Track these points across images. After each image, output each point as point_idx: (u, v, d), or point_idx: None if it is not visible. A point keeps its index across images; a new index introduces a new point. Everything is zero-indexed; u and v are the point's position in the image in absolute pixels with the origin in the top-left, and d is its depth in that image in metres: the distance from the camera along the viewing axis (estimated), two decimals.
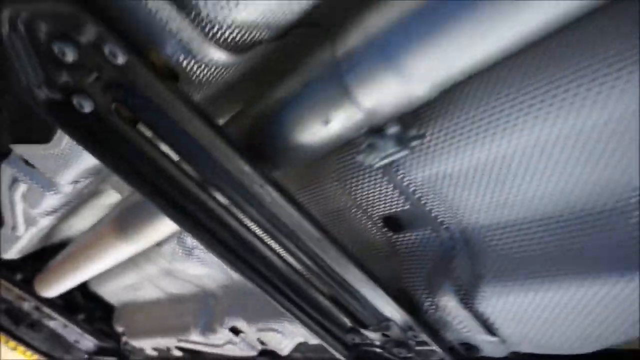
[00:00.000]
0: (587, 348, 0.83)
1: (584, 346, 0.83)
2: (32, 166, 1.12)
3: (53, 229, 1.65)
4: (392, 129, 0.68)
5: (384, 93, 0.61)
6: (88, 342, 2.89)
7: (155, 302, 2.10)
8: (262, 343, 1.58)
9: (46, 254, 2.10)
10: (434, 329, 1.01)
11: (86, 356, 3.03)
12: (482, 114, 0.73)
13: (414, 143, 0.71)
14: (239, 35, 0.62)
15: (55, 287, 2.05)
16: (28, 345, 2.93)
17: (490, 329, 0.92)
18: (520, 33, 0.57)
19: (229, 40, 0.62)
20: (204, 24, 0.60)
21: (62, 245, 2.01)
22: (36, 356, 2.98)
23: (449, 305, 0.91)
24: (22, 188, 1.30)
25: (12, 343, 2.95)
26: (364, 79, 0.61)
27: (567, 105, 0.66)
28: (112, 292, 2.43)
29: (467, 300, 0.89)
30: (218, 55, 0.63)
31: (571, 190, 0.73)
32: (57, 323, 2.75)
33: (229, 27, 0.60)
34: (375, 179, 0.87)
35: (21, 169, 1.16)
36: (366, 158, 0.71)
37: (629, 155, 0.66)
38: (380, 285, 0.90)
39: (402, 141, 0.69)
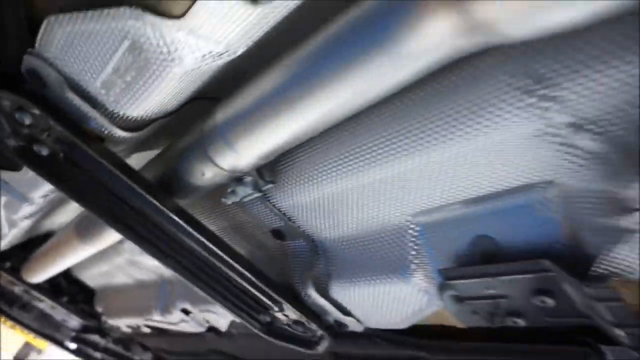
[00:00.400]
0: (402, 325, 1.17)
1: (400, 324, 1.17)
2: (8, 184, 1.45)
3: (35, 225, 1.98)
4: (248, 179, 1.01)
5: (229, 161, 0.93)
6: (74, 321, 3.24)
7: (126, 287, 2.44)
8: (207, 321, 1.93)
9: (32, 244, 2.43)
10: (314, 312, 1.34)
11: (73, 333, 3.40)
12: (323, 163, 1.05)
13: (267, 187, 1.04)
14: (135, 122, 0.94)
15: (41, 274, 2.39)
16: (22, 324, 3.30)
17: (345, 311, 1.26)
18: (321, 116, 0.88)
19: (128, 124, 0.94)
20: (109, 116, 0.91)
21: (47, 235, 2.34)
22: (32, 335, 3.35)
23: (314, 296, 1.24)
24: (4, 198, 1.63)
25: (9, 323, 3.32)
26: (217, 150, 0.93)
27: (370, 162, 0.98)
28: (91, 278, 2.77)
29: (324, 291, 1.22)
30: (122, 133, 0.95)
31: (377, 217, 1.06)
32: (45, 304, 3.09)
33: (127, 118, 0.92)
34: (257, 205, 1.20)
35: (1, 185, 1.48)
36: (229, 199, 1.04)
37: (403, 198, 0.99)
38: (263, 281, 1.23)
39: (256, 186, 1.02)
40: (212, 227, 1.39)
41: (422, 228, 1.01)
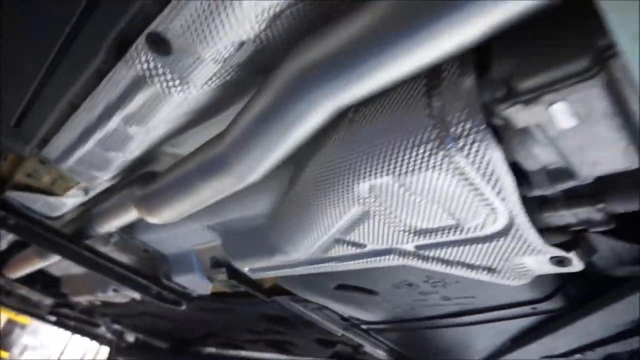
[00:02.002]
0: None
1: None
2: None
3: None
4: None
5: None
6: (48, 300, 4.41)
7: (80, 275, 3.61)
8: (128, 296, 3.13)
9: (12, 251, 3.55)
10: (172, 288, 2.55)
11: (49, 309, 4.59)
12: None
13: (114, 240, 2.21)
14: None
15: (20, 272, 3.52)
16: (8, 306, 4.52)
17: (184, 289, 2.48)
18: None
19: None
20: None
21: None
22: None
23: (166, 281, 2.45)
24: None
25: None
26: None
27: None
28: (56, 269, 3.92)
29: (170, 278, 2.43)
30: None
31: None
32: (24, 291, 4.24)
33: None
34: (128, 239, 2.37)
35: None
36: (112, 240, 2.21)
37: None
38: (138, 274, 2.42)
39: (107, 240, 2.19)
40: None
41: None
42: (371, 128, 1.00)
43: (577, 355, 1.64)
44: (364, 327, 2.16)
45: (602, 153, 0.78)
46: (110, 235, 2.19)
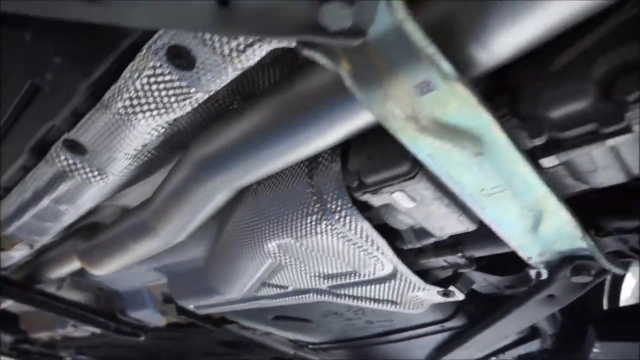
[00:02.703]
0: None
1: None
2: None
3: None
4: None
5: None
6: (8, 338, 4.39)
7: (37, 313, 3.63)
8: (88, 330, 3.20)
9: None
10: (127, 322, 2.66)
11: (10, 346, 4.56)
12: None
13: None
14: None
15: None
16: None
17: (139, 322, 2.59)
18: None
19: None
20: None
21: None
22: None
23: (120, 315, 2.55)
24: None
25: None
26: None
27: None
28: (14, 306, 3.92)
29: (126, 313, 2.53)
30: None
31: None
32: None
33: None
34: (76, 281, 2.46)
35: None
36: (63, 285, 2.30)
37: None
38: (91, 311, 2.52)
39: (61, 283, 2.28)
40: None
41: None
42: (270, 199, 1.17)
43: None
44: (311, 346, 2.33)
45: (442, 222, 0.98)
46: (62, 279, 2.28)
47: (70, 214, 1.33)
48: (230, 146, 1.02)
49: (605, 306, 2.14)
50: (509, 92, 0.77)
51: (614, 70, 0.64)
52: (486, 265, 1.32)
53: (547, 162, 0.74)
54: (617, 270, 1.01)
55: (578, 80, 0.66)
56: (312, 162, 1.07)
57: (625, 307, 2.02)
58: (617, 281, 2.26)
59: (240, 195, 1.26)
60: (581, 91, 0.66)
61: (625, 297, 2.46)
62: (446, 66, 0.61)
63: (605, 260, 0.97)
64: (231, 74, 0.82)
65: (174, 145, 1.20)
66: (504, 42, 0.62)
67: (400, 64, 0.63)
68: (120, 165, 1.09)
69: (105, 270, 1.63)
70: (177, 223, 1.23)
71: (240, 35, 0.71)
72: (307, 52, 0.64)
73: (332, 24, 0.57)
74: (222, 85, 0.86)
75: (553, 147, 0.72)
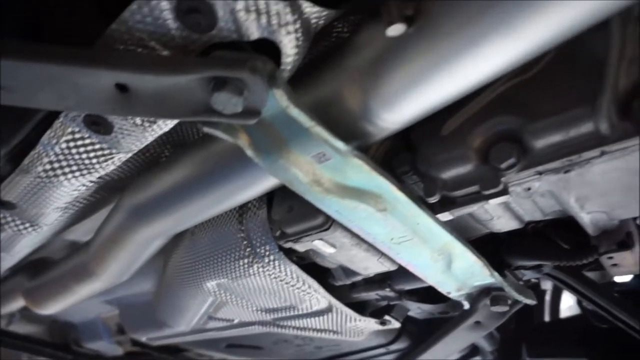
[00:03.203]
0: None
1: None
2: None
3: None
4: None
5: None
6: None
7: None
8: None
9: None
10: (86, 354, 2.61)
11: None
12: None
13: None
14: None
15: None
16: None
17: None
18: None
19: None
20: None
21: None
22: None
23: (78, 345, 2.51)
24: None
25: None
26: None
27: None
28: None
29: (80, 344, 2.49)
30: None
31: None
32: None
33: None
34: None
35: None
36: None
37: None
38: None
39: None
40: None
41: None
42: (206, 241, 1.20)
43: None
44: None
45: (365, 263, 1.03)
46: (12, 314, 2.23)
47: (8, 260, 1.32)
48: (160, 196, 1.04)
49: (547, 317, 2.26)
50: (411, 150, 0.83)
51: (489, 139, 0.71)
52: (424, 291, 1.39)
53: (443, 217, 0.80)
54: (528, 301, 1.09)
55: (461, 146, 0.73)
56: (243, 208, 1.11)
57: (559, 321, 2.11)
58: (558, 291, 2.37)
59: (180, 233, 1.29)
60: (464, 157, 0.73)
61: (568, 306, 2.58)
62: (336, 142, 0.66)
63: (515, 293, 1.05)
64: (150, 137, 0.85)
65: (111, 188, 1.22)
66: (391, 118, 0.67)
67: (294, 139, 0.68)
68: (52, 217, 1.10)
69: (49, 310, 1.61)
70: (115, 267, 1.25)
71: (140, 116, 0.74)
72: (207, 129, 0.68)
73: (224, 109, 0.61)
74: (144, 145, 0.89)
75: (447, 203, 0.78)
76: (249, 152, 0.70)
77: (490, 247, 1.03)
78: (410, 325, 1.66)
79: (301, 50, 0.63)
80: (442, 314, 1.45)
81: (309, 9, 0.57)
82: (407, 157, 0.83)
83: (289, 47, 0.60)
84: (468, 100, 0.75)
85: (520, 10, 0.49)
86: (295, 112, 0.61)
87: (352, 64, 0.64)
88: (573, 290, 1.20)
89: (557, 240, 0.93)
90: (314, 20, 0.61)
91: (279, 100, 0.60)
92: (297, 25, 0.58)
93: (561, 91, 0.65)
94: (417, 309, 1.40)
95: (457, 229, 0.93)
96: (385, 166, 0.88)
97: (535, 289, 1.39)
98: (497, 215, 0.83)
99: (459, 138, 0.73)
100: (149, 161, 1.12)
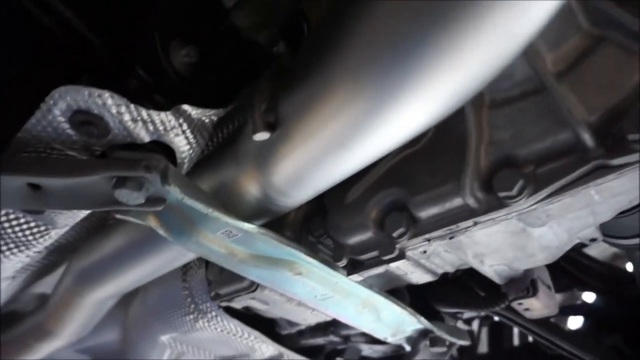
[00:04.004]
0: None
1: None
2: None
3: None
4: None
5: None
6: None
7: None
8: None
9: None
10: None
11: None
12: None
13: None
14: None
15: None
16: None
17: None
18: None
19: None
20: None
21: None
22: None
23: None
24: None
25: None
26: None
27: None
28: None
29: None
30: None
31: None
32: None
33: None
34: None
35: None
36: None
37: None
38: None
39: None
40: None
41: None
42: (156, 297, 1.25)
43: None
44: None
45: (301, 315, 1.08)
46: None
47: None
48: (103, 261, 1.09)
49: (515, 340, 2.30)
50: (324, 214, 0.89)
51: (383, 209, 0.77)
52: None
53: (354, 278, 0.86)
54: (461, 342, 1.14)
55: (361, 215, 0.79)
56: (186, 266, 1.16)
57: (526, 345, 2.15)
58: None
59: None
60: (364, 225, 0.78)
61: None
62: (236, 223, 0.72)
63: (447, 335, 1.10)
64: (82, 213, 0.90)
65: (63, 251, 1.27)
66: (289, 200, 0.74)
67: (201, 221, 0.74)
68: (3, 285, 1.14)
69: None
70: (72, 326, 1.29)
71: (54, 209, 0.80)
72: (118, 215, 0.73)
73: (128, 201, 0.67)
74: (80, 218, 0.94)
75: (356, 266, 0.84)
76: (161, 232, 0.76)
77: (418, 294, 1.09)
78: None
79: (197, 145, 0.70)
80: (395, 352, 1.49)
81: (195, 111, 0.64)
82: (322, 221, 0.89)
83: (181, 145, 0.66)
84: (367, 171, 0.81)
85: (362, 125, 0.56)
86: (191, 202, 0.67)
87: (245, 155, 0.70)
88: (511, 322, 1.26)
89: (474, 288, 0.99)
90: (205, 119, 0.67)
91: (173, 193, 0.66)
92: (185, 127, 0.64)
93: (437, 167, 0.71)
94: (369, 350, 1.44)
95: (383, 281, 0.99)
96: (304, 229, 0.94)
97: None
98: (409, 271, 0.88)
99: (359, 207, 0.79)
100: (96, 225, 1.17)
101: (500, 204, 0.65)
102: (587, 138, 0.59)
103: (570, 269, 1.90)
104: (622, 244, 1.00)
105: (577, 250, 1.92)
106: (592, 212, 0.72)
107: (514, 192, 0.63)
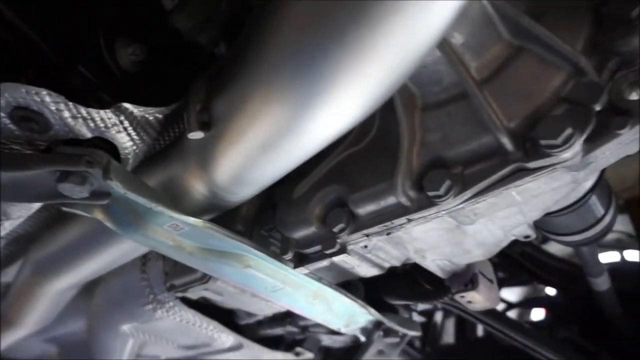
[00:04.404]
0: None
1: None
2: None
3: None
4: None
5: None
6: None
7: None
8: None
9: None
10: None
11: None
12: None
13: None
14: None
15: None
16: None
17: None
18: None
19: None
20: None
21: None
22: None
23: None
24: None
25: None
26: None
27: None
28: None
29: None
30: None
31: None
32: None
33: None
34: None
35: None
36: None
37: None
38: None
39: None
40: None
41: None
42: (116, 288, 1.27)
43: None
44: None
45: (256, 306, 1.11)
46: None
47: None
48: (60, 252, 1.10)
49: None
50: (274, 208, 0.91)
51: (327, 205, 0.80)
52: None
53: (300, 271, 0.89)
54: (412, 333, 1.19)
55: (306, 211, 0.81)
56: (145, 257, 1.18)
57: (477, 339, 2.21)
58: None
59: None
60: (308, 220, 0.81)
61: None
62: (181, 217, 0.75)
63: (397, 327, 1.14)
64: (36, 205, 0.92)
65: (22, 241, 1.27)
66: (233, 196, 0.76)
67: (148, 214, 0.76)
68: None
69: None
70: (33, 316, 1.30)
71: (3, 201, 0.81)
72: (65, 208, 0.75)
73: (72, 194, 0.69)
74: (33, 211, 0.96)
75: (302, 259, 0.87)
76: (108, 225, 0.78)
77: (370, 286, 1.13)
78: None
79: (142, 141, 0.72)
80: (356, 343, 1.54)
81: (137, 110, 0.66)
82: (272, 215, 0.91)
83: (124, 141, 0.68)
84: (314, 167, 0.84)
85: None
86: (133, 196, 0.69)
87: (188, 153, 0.72)
88: (463, 313, 1.31)
89: (420, 281, 1.03)
90: (149, 116, 0.69)
91: (115, 188, 0.68)
92: (127, 124, 0.66)
93: (375, 166, 0.74)
94: (329, 340, 1.49)
95: (333, 274, 1.02)
96: (256, 222, 0.97)
97: None
98: (355, 265, 0.92)
99: (304, 203, 0.82)
100: (54, 216, 1.18)
101: (430, 203, 0.69)
102: (507, 142, 0.62)
103: (529, 265, 1.97)
104: (563, 240, 1.06)
105: (536, 247, 2.00)
106: (520, 211, 0.76)
107: (442, 191, 0.66)
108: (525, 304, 2.70)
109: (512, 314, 2.75)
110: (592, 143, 0.59)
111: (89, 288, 1.39)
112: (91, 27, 0.69)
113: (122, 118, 0.65)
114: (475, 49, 0.63)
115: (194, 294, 1.05)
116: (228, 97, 0.60)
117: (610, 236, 2.53)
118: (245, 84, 0.57)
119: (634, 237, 2.25)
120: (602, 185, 0.94)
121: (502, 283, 2.75)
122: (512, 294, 2.84)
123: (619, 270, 2.35)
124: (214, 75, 0.65)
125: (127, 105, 0.64)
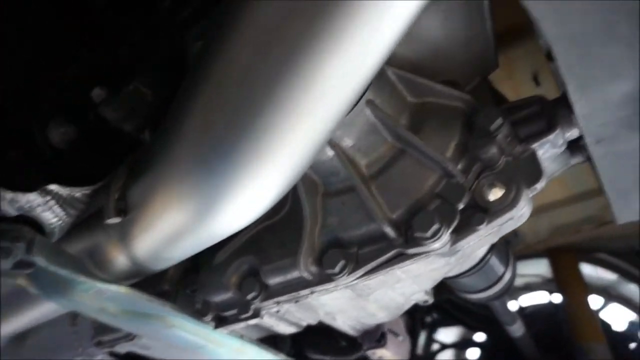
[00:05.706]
0: None
1: None
2: None
3: None
4: None
5: None
6: None
7: None
8: None
9: None
10: None
11: None
12: None
13: None
14: None
15: None
16: None
17: None
18: None
19: None
20: None
21: None
22: None
23: None
24: None
25: None
26: None
27: None
28: None
29: None
30: None
31: None
32: None
33: None
34: None
35: None
36: None
37: None
38: None
39: None
40: None
41: None
42: (48, 340, 1.28)
43: None
44: None
45: (187, 358, 1.16)
46: None
47: None
48: None
49: None
50: (198, 271, 0.98)
51: (242, 274, 0.88)
52: None
53: (221, 331, 0.95)
54: None
55: (224, 277, 0.89)
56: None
57: None
58: None
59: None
60: (226, 286, 0.89)
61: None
62: (104, 285, 0.80)
63: None
64: None
65: None
66: (153, 266, 0.83)
67: (71, 282, 0.81)
68: None
69: None
70: None
71: None
72: None
73: None
74: None
75: (221, 321, 0.93)
76: (32, 290, 0.82)
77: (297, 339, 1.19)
78: None
79: (68, 215, 0.77)
80: None
81: (62, 190, 0.72)
82: (196, 278, 0.98)
83: (49, 219, 0.74)
84: (234, 236, 0.92)
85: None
86: (54, 269, 0.75)
87: (110, 228, 0.79)
88: None
89: (337, 337, 1.11)
90: (75, 194, 0.76)
91: (39, 262, 0.73)
92: (52, 204, 0.73)
93: (283, 242, 0.83)
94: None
95: (256, 331, 1.09)
96: (181, 284, 1.03)
97: None
98: (274, 324, 0.99)
99: (223, 270, 0.89)
100: None
101: (329, 279, 0.78)
102: (390, 231, 0.72)
103: (457, 313, 2.09)
104: (473, 297, 1.17)
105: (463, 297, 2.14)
106: (414, 282, 0.86)
107: (337, 270, 0.75)
108: (460, 345, 2.82)
109: (447, 354, 2.87)
110: (458, 235, 0.70)
111: (20, 337, 1.40)
112: (26, 109, 0.75)
113: (47, 198, 0.71)
114: (365, 150, 0.74)
115: (121, 348, 1.09)
116: (142, 186, 0.68)
117: (533, 280, 2.72)
118: (155, 178, 0.65)
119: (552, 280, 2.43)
120: (499, 246, 1.06)
121: (438, 324, 2.89)
122: (450, 334, 2.96)
123: (540, 313, 2.53)
124: (132, 163, 0.72)
125: (52, 186, 0.70)
